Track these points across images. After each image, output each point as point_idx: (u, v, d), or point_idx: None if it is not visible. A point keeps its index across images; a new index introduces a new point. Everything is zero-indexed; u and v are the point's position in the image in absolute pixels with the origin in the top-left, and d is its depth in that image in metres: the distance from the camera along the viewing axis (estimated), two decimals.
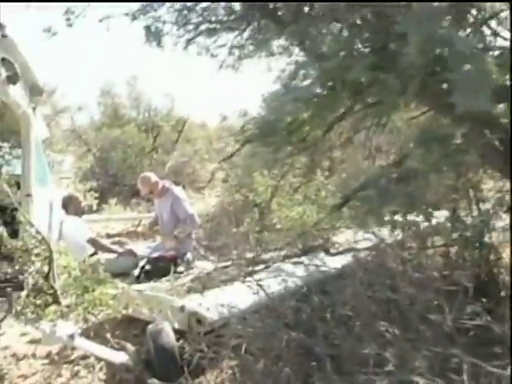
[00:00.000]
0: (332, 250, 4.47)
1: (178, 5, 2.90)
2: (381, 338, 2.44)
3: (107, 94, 16.86)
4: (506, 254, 3.28)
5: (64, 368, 3.52)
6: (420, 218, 2.69)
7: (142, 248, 5.57)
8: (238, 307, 3.36)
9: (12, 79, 3.56)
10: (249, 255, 4.84)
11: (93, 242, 5.21)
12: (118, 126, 15.37)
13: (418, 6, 1.39)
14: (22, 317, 3.15)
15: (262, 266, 4.35)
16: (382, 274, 3.23)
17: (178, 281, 4.41)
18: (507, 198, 3.07)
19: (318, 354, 2.58)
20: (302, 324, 2.90)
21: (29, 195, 4.26)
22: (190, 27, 3.05)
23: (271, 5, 2.37)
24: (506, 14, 2.05)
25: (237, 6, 2.82)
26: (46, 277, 3.20)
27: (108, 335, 3.69)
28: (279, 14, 2.31)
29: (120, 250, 5.27)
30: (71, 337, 3.02)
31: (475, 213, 3.62)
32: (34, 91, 4.35)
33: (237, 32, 2.93)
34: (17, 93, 3.86)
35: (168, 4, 2.94)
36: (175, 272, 4.59)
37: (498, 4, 2.05)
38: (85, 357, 3.60)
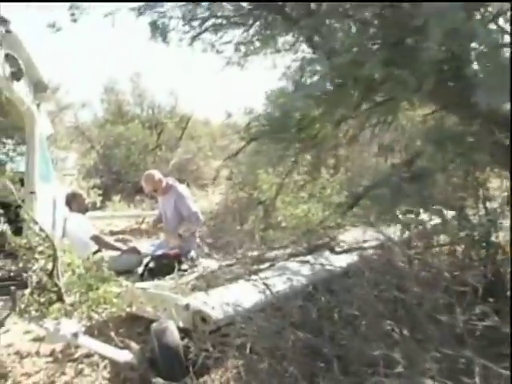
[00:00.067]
0: (337, 249, 4.44)
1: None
2: (388, 338, 2.42)
3: (111, 91, 16.86)
4: None
5: (68, 366, 3.52)
6: (426, 217, 2.67)
7: (145, 245, 5.56)
8: (243, 306, 3.33)
9: (16, 75, 3.54)
10: (253, 253, 4.82)
11: (96, 239, 5.19)
12: (121, 122, 15.36)
13: None
14: (25, 315, 3.13)
15: (266, 265, 4.33)
16: (389, 272, 3.20)
17: (182, 279, 4.39)
18: None
19: (325, 353, 2.55)
20: (307, 323, 2.88)
21: (33, 192, 4.24)
22: (196, 23, 3.02)
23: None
24: None
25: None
26: (50, 274, 3.18)
27: (112, 333, 3.68)
28: (287, 10, 2.28)
29: (124, 247, 5.25)
30: (75, 335, 3.01)
31: (481, 212, 3.58)
32: (39, 87, 4.32)
33: (243, 28, 2.90)
34: (21, 89, 3.84)
35: None
36: (179, 270, 4.56)
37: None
38: (89, 355, 3.59)
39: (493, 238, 3.32)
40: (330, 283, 3.36)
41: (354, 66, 1.33)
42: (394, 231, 3.51)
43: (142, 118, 15.94)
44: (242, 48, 3.30)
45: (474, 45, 1.30)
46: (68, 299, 3.25)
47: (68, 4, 3.15)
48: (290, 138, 1.85)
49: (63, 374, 3.42)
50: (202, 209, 6.50)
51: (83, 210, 5.64)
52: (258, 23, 2.79)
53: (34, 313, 3.13)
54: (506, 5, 2.01)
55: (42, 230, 3.31)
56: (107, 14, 3.13)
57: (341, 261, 4.21)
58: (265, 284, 3.34)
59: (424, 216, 2.62)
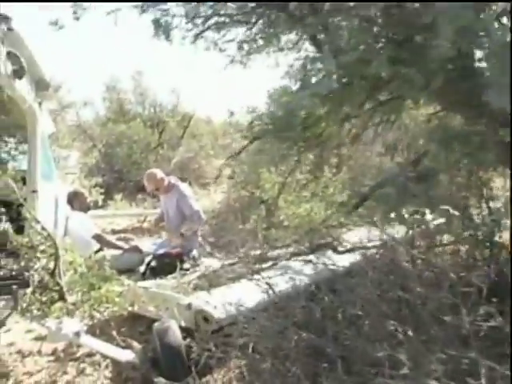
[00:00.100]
0: (340, 248, 4.42)
1: None
2: (392, 338, 2.40)
3: (113, 90, 16.86)
4: None
5: (70, 365, 3.51)
6: (429, 216, 2.65)
7: (147, 244, 5.55)
8: (246, 305, 3.32)
9: (18, 73, 3.52)
10: (256, 252, 4.80)
11: (98, 238, 5.18)
12: (123, 121, 15.36)
13: None
14: (27, 314, 3.12)
15: (269, 264, 4.31)
16: (392, 272, 3.19)
17: (184, 278, 4.38)
18: None
19: (328, 353, 2.54)
20: (310, 323, 2.86)
21: (34, 191, 4.23)
22: (199, 21, 3.00)
23: None
24: None
25: None
26: (52, 273, 3.17)
27: (114, 333, 3.67)
28: (291, 8, 2.26)
29: (125, 246, 5.24)
30: (77, 334, 3.00)
31: (484, 211, 3.56)
32: (41, 86, 4.31)
33: (246, 26, 2.88)
34: (23, 87, 3.82)
35: None
36: (181, 269, 4.55)
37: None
38: (90, 354, 3.58)
39: (496, 238, 3.30)
40: (332, 283, 3.34)
41: (360, 64, 1.31)
42: (397, 231, 3.49)
43: (143, 117, 15.95)
44: (245, 46, 3.29)
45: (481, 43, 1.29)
46: (70, 298, 3.24)
47: (68, 3, 3.14)
48: (295, 137, 1.84)
49: (65, 373, 3.41)
50: (204, 207, 6.48)
51: (85, 208, 5.63)
52: (261, 21, 2.77)
53: (35, 312, 3.12)
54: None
55: (43, 228, 3.30)
56: (109, 12, 3.12)
57: (343, 260, 4.19)
58: (268, 284, 3.33)
59: (427, 215, 2.61)
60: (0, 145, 4.83)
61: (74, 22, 3.29)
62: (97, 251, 4.97)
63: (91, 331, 3.37)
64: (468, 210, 3.45)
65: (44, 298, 3.18)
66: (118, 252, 5.10)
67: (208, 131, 18.27)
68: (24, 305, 3.09)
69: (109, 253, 4.96)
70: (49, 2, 3.61)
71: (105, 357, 3.41)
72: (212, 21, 3.03)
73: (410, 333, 2.29)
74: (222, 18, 3.04)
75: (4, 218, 3.32)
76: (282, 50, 3.42)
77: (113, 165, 13.81)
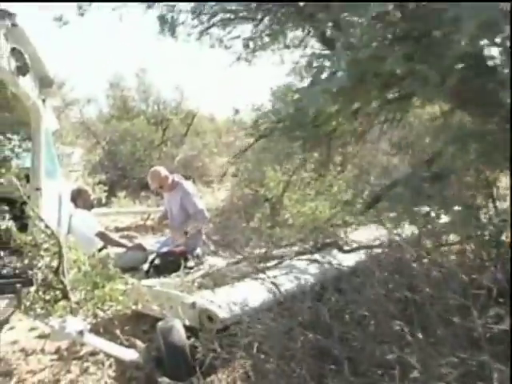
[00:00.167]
0: (345, 247, 4.40)
1: None
2: (400, 339, 2.37)
3: (116, 87, 16.85)
4: None
5: (73, 364, 3.49)
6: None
7: (150, 242, 5.53)
8: (251, 305, 3.30)
9: (22, 70, 3.49)
10: (260, 251, 4.78)
11: (102, 235, 5.17)
12: (127, 118, 15.36)
13: None
14: (30, 312, 3.10)
15: (273, 263, 4.29)
16: (399, 271, 3.16)
17: (188, 276, 4.35)
18: None
19: (334, 354, 2.51)
20: (316, 323, 2.83)
21: (38, 189, 4.20)
22: (205, 18, 2.97)
23: None
24: None
25: None
26: (56, 272, 3.15)
27: (117, 331, 3.65)
28: (299, 4, 2.23)
29: (129, 244, 5.22)
30: (80, 333, 2.98)
31: (491, 211, 3.52)
32: (44, 82, 4.28)
33: (252, 23, 2.85)
34: (27, 84, 3.80)
35: None
36: (185, 267, 4.53)
37: None
38: (94, 353, 3.57)
39: (503, 238, 3.27)
40: (338, 282, 3.32)
41: (374, 60, 1.28)
42: (403, 230, 3.46)
43: (147, 114, 15.94)
44: (251, 43, 3.26)
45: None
46: (73, 297, 3.22)
47: (67, 4, 3.12)
48: (306, 136, 1.80)
49: (68, 372, 3.40)
50: (208, 205, 6.46)
51: (89, 206, 5.61)
52: (267, 18, 2.74)
53: (39, 310, 3.10)
54: None
55: (47, 226, 3.27)
56: (114, 9, 3.09)
57: (348, 259, 4.16)
58: (273, 283, 3.31)
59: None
60: (3, 142, 4.81)
61: (77, 20, 3.28)
62: (100, 249, 4.95)
63: (95, 330, 3.35)
64: (476, 209, 3.42)
65: (47, 297, 3.15)
66: (121, 250, 5.08)
67: (211, 129, 18.25)
68: (27, 303, 3.07)
69: (112, 251, 4.94)
70: (51, 1, 3.59)
71: (108, 356, 3.39)
72: (218, 17, 3.00)
73: (420, 335, 2.26)
74: (228, 15, 3.01)
75: (7, 215, 3.29)
76: (288, 47, 3.39)
77: (116, 162, 13.81)
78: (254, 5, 2.66)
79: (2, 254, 3.16)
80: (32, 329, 4.00)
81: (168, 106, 16.41)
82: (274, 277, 3.56)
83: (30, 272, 3.10)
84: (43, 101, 4.43)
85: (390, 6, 1.46)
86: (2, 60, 3.19)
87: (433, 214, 1.55)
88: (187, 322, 3.36)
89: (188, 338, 3.17)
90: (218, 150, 15.22)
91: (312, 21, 2.10)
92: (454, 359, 1.84)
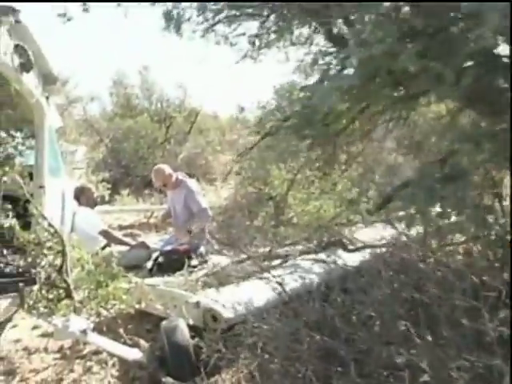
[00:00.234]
0: (350, 247, 4.37)
1: None
2: (407, 340, 2.34)
3: (120, 85, 16.84)
4: None
5: (76, 363, 3.47)
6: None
7: (154, 240, 5.51)
8: (255, 304, 3.27)
9: (25, 67, 3.47)
10: (264, 250, 4.75)
11: (105, 234, 5.15)
12: (130, 116, 15.35)
13: None
14: (34, 311, 3.08)
15: (278, 262, 4.27)
16: (406, 271, 3.13)
17: (192, 275, 4.33)
18: None
19: (340, 355, 2.48)
20: (321, 323, 2.81)
21: (42, 187, 4.18)
22: (210, 15, 2.94)
23: None
24: None
25: None
26: (59, 270, 3.12)
27: (121, 330, 3.63)
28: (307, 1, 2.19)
29: (132, 242, 5.20)
30: (84, 332, 2.96)
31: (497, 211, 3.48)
32: (48, 80, 4.26)
33: (259, 20, 2.82)
34: (30, 81, 3.77)
35: None
36: (189, 266, 4.51)
37: None
38: (97, 352, 3.54)
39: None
40: (343, 281, 3.29)
41: (386, 57, 1.24)
42: (409, 229, 3.43)
43: (150, 112, 15.92)
44: (256, 41, 3.23)
45: None
46: (77, 296, 3.20)
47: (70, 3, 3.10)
48: (315, 134, 1.77)
49: (71, 371, 3.37)
50: (211, 204, 6.44)
51: (92, 204, 5.59)
52: (273, 15, 2.71)
53: (42, 309, 3.08)
54: None
55: (50, 225, 3.25)
56: (118, 5, 3.07)
57: (352, 259, 4.14)
58: (279, 283, 3.29)
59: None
60: (7, 140, 4.78)
61: (81, 16, 3.25)
62: (104, 247, 4.94)
63: (98, 328, 3.32)
64: (483, 209, 3.37)
65: (51, 296, 3.13)
66: (124, 248, 5.06)
67: (215, 127, 18.23)
68: (30, 302, 3.05)
69: (115, 249, 4.93)
70: (55, 1, 3.57)
71: (112, 355, 3.36)
72: (223, 14, 2.97)
73: (429, 337, 2.23)
74: (233, 12, 2.98)
75: (11, 213, 3.27)
76: (293, 44, 3.36)
77: (120, 160, 13.81)
78: (261, 1, 2.63)
79: (5, 252, 3.14)
80: (35, 327, 3.98)
81: (171, 103, 16.38)
82: (279, 276, 3.54)
83: (33, 271, 3.07)
84: (47, 98, 4.41)
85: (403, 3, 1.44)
86: (5, 57, 3.16)
87: (445, 215, 1.52)
88: (191, 322, 3.34)
89: (192, 337, 3.15)
90: (221, 148, 15.19)
91: (319, 18, 2.07)
92: (464, 362, 1.80)
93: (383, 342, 2.48)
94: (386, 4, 1.41)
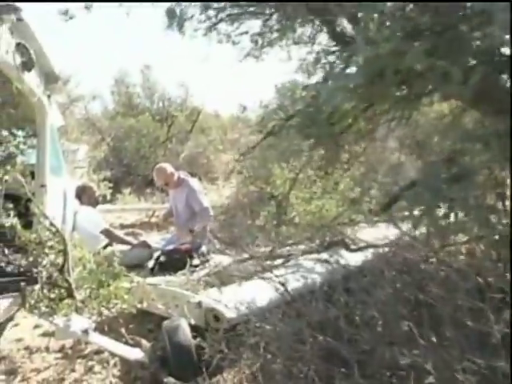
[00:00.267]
0: (352, 246, 4.35)
1: None
2: (411, 341, 2.33)
3: (121, 83, 16.83)
4: None
5: (78, 363, 3.46)
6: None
7: (155, 239, 5.50)
8: (257, 304, 3.26)
9: (27, 65, 3.45)
10: (266, 249, 4.74)
11: (107, 233, 5.14)
12: (132, 115, 15.34)
13: None
14: (35, 311, 3.07)
15: (280, 261, 4.26)
16: (408, 271, 3.11)
17: (194, 275, 4.32)
18: None
19: (343, 355, 2.47)
20: (324, 323, 2.79)
21: (43, 186, 4.17)
22: (212, 13, 2.92)
23: None
24: None
25: None
26: (61, 270, 3.11)
27: (122, 329, 3.62)
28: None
29: (134, 241, 5.19)
30: (85, 332, 2.95)
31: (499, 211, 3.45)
32: (50, 78, 4.24)
33: (262, 18, 2.80)
34: (32, 80, 3.76)
35: None
36: (190, 265, 4.50)
37: None
38: (99, 352, 3.54)
39: None
40: (346, 281, 3.28)
41: (394, 55, 1.23)
42: (410, 228, 3.41)
43: (152, 111, 15.91)
44: (259, 39, 3.22)
45: None
46: (78, 295, 3.18)
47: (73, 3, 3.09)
48: (321, 133, 1.75)
49: (73, 370, 3.38)
50: (213, 203, 6.43)
51: (94, 203, 5.58)
52: (277, 14, 2.69)
53: (43, 309, 3.07)
54: None
55: (52, 224, 3.24)
56: (120, 4, 3.06)
57: (355, 258, 4.13)
58: (281, 283, 3.27)
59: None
60: (8, 138, 4.76)
61: (82, 15, 3.24)
62: (105, 246, 4.93)
63: (99, 328, 3.32)
64: (486, 208, 3.35)
65: (52, 295, 3.12)
66: (126, 247, 5.05)
67: (217, 126, 18.21)
68: (32, 302, 3.03)
69: (117, 248, 4.92)
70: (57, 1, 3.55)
71: (113, 355, 3.36)
72: (225, 12, 2.95)
73: (430, 337, 2.22)
74: (236, 10, 2.96)
75: (12, 213, 3.25)
76: (296, 43, 3.34)
77: (121, 159, 13.80)
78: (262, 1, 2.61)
79: (7, 251, 3.13)
80: (36, 326, 3.98)
81: (173, 102, 16.37)
82: (281, 276, 3.53)
83: (34, 270, 3.06)
84: (48, 97, 4.39)
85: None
86: (6, 55, 3.15)
87: (450, 215, 1.50)
88: (193, 322, 3.33)
89: (194, 337, 3.14)
90: (223, 147, 15.18)
91: (324, 16, 2.05)
92: (469, 364, 1.79)
93: (386, 342, 2.47)
94: (389, 4, 1.39)
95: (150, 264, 4.74)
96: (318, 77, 3.08)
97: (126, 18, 3.17)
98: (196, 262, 4.75)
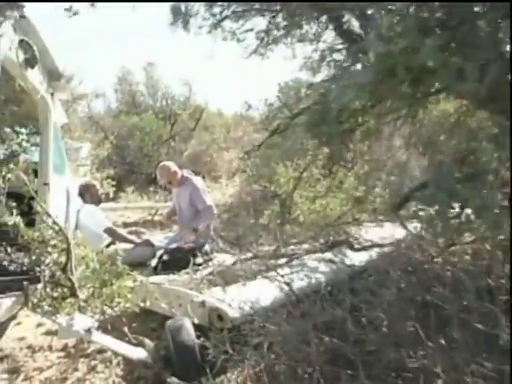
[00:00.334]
0: (356, 246, 4.33)
1: None
2: (417, 343, 2.31)
3: (124, 81, 16.84)
4: None
5: (80, 362, 3.45)
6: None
7: (158, 238, 5.48)
8: (261, 304, 3.24)
9: (30, 62, 3.43)
10: (270, 248, 4.72)
11: (110, 231, 5.11)
12: (135, 113, 15.35)
13: None
14: (38, 309, 3.05)
15: (283, 261, 4.23)
16: (413, 271, 3.09)
17: (197, 274, 4.29)
18: None
19: (348, 355, 2.45)
20: (328, 323, 2.77)
21: (46, 184, 4.15)
22: (217, 10, 2.90)
23: None
24: None
25: None
26: (64, 269, 3.09)
27: (125, 328, 3.60)
28: None
29: (137, 240, 5.17)
30: (88, 331, 2.93)
31: None
32: (53, 76, 4.22)
33: (268, 15, 2.77)
34: (35, 77, 3.74)
35: None
36: (194, 264, 4.47)
37: None
38: (101, 351, 3.52)
39: None
40: (350, 280, 3.25)
41: (406, 52, 1.20)
42: (415, 227, 3.39)
43: (155, 109, 15.92)
44: (264, 37, 3.19)
45: None
46: (81, 294, 3.16)
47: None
48: (331, 131, 1.72)
49: (76, 369, 3.36)
50: (216, 201, 6.40)
51: (97, 201, 5.55)
52: (283, 11, 2.66)
53: (46, 308, 3.05)
54: None
55: (55, 222, 3.21)
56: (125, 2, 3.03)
57: (359, 257, 4.11)
58: (286, 282, 3.25)
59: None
60: (11, 136, 4.74)
61: (86, 12, 3.22)
62: (108, 245, 4.91)
63: (102, 327, 3.30)
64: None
65: (55, 294, 3.10)
66: (129, 246, 5.03)
67: (220, 124, 18.20)
68: (35, 300, 3.01)
69: (120, 246, 4.89)
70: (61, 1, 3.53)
71: (116, 354, 3.34)
72: (230, 10, 2.92)
73: (436, 338, 2.19)
74: (241, 7, 2.94)
75: (15, 211, 3.23)
76: (300, 41, 3.32)
77: (124, 157, 13.82)
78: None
79: (10, 250, 3.10)
80: (39, 325, 3.97)
81: (176, 100, 16.37)
82: (286, 275, 3.51)
83: (37, 269, 3.04)
84: (52, 94, 4.38)
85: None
86: (10, 52, 3.12)
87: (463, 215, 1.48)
88: (197, 321, 3.30)
89: (197, 337, 3.11)
90: (226, 146, 15.16)
91: (332, 13, 2.02)
92: (476, 366, 1.76)
93: (392, 343, 2.45)
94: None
95: (153, 263, 4.72)
96: (322, 75, 3.05)
97: (129, 15, 3.14)
98: (199, 260, 4.72)
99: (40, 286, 3.02)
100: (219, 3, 2.82)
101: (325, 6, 2.01)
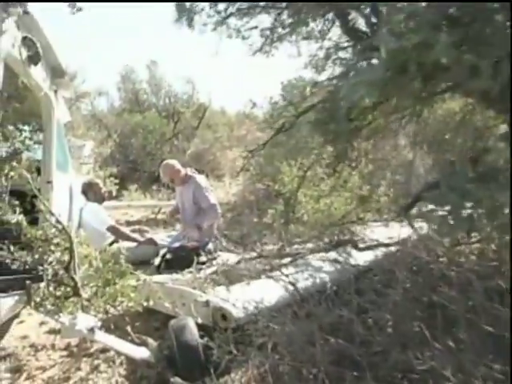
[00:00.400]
0: (361, 245, 4.30)
1: None
2: (420, 341, 2.28)
3: (128, 80, 16.85)
4: None
5: (83, 361, 3.43)
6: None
7: (162, 237, 5.46)
8: (266, 303, 3.21)
9: (33, 59, 3.40)
10: (273, 248, 4.69)
11: (113, 230, 5.10)
12: (138, 111, 15.35)
13: None
14: (41, 308, 3.03)
15: (288, 260, 4.21)
16: (418, 271, 3.06)
17: (201, 272, 4.27)
18: None
19: (354, 356, 2.42)
20: (334, 324, 2.74)
21: (49, 182, 4.13)
22: (222, 7, 2.87)
23: None
24: None
25: None
26: (67, 268, 3.07)
27: (128, 328, 3.58)
28: None
29: (141, 239, 5.15)
30: (91, 330, 2.91)
31: None
32: (56, 73, 4.19)
33: (274, 12, 2.74)
34: (38, 74, 3.71)
35: None
36: (197, 263, 4.44)
37: None
38: (104, 350, 3.50)
39: None
40: (355, 280, 3.23)
41: (419, 48, 1.17)
42: (420, 227, 3.36)
43: (158, 107, 15.92)
44: (269, 34, 3.17)
45: None
46: (84, 293, 3.14)
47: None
48: (340, 129, 1.69)
49: (78, 369, 3.34)
50: (219, 199, 6.38)
51: (100, 199, 5.54)
52: (289, 8, 2.63)
53: (49, 307, 3.03)
54: None
55: (58, 221, 3.19)
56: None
57: (363, 257, 4.08)
58: (290, 282, 3.23)
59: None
60: (14, 134, 4.72)
61: (89, 10, 3.19)
62: (111, 243, 4.89)
63: (105, 326, 3.28)
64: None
65: (58, 293, 3.08)
66: (132, 244, 5.01)
67: (223, 122, 18.18)
68: (37, 299, 2.99)
69: (123, 245, 4.87)
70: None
71: (119, 353, 3.32)
72: (235, 7, 2.90)
73: (443, 339, 2.16)
74: (246, 5, 2.91)
75: (18, 209, 3.21)
76: (305, 38, 3.29)
77: (127, 155, 13.82)
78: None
79: (12, 248, 3.08)
80: (42, 323, 3.96)
81: (179, 99, 16.36)
82: (290, 275, 3.49)
83: (40, 267, 3.02)
84: (55, 92, 4.35)
85: None
86: (13, 49, 3.10)
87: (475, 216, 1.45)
88: (200, 320, 3.28)
89: (201, 336, 3.09)
90: (229, 144, 15.14)
91: (339, 10, 1.99)
92: (486, 369, 1.73)
93: (398, 344, 2.42)
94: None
95: (157, 261, 4.70)
96: (327, 73, 3.02)
97: (132, 13, 3.12)
98: (203, 259, 4.70)
99: (43, 284, 3.00)
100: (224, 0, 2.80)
101: (331, 3, 1.98)
